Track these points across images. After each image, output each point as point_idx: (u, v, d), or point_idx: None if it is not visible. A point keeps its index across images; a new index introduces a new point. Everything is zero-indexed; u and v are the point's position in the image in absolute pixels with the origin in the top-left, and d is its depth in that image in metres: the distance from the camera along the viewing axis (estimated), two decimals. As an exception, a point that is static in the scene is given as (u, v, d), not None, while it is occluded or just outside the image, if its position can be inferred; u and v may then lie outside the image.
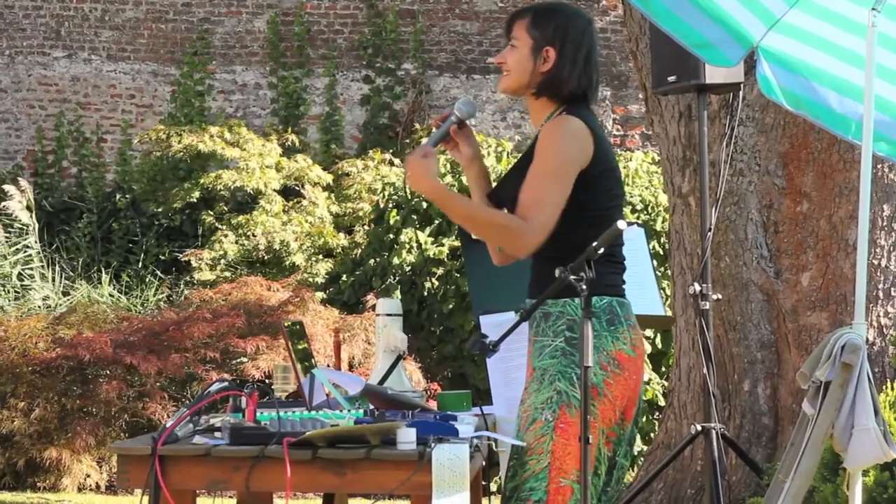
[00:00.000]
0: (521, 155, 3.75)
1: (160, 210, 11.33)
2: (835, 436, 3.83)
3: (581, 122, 3.59)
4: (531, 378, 3.59)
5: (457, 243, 9.01)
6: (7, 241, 10.19)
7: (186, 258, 10.29)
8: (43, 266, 10.15)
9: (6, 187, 10.82)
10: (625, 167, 9.84)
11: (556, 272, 3.36)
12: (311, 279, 9.62)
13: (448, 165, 9.80)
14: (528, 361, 3.67)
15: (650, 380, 8.38)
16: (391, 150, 11.43)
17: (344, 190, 10.84)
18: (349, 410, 3.77)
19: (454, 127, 3.73)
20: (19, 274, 9.93)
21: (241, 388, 3.71)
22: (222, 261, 10.15)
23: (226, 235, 10.34)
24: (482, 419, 3.89)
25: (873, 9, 3.96)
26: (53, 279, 9.95)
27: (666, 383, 8.36)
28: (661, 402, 8.32)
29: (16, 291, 9.72)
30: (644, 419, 8.40)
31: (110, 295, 9.91)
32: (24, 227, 10.47)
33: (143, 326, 8.13)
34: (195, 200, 11.09)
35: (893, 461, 4.13)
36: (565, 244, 3.54)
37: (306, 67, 12.41)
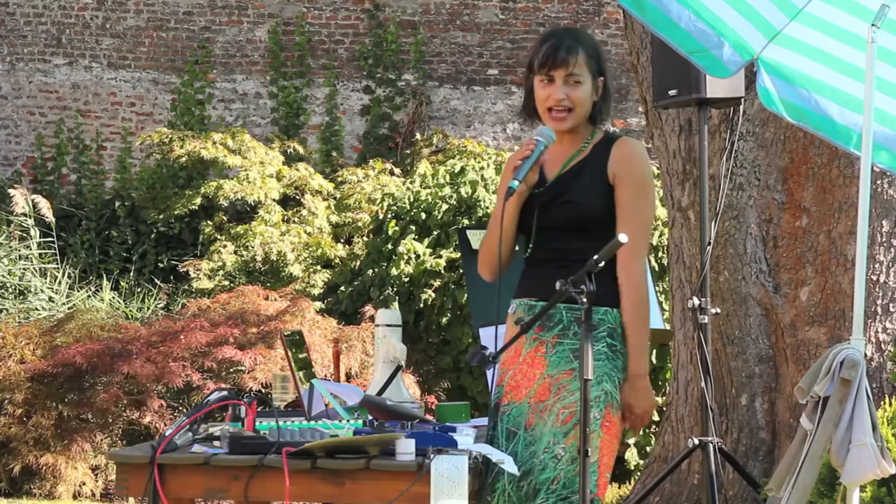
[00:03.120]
0: (571, 166, 3.80)
1: (160, 218, 11.33)
2: (832, 451, 3.84)
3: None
4: (570, 378, 3.66)
5: (454, 255, 9.01)
6: (9, 246, 10.19)
7: (185, 268, 10.29)
8: (43, 271, 10.15)
9: (11, 192, 10.83)
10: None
11: (557, 285, 3.40)
12: (308, 289, 9.62)
13: (447, 177, 9.80)
14: (540, 360, 3.71)
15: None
16: (391, 161, 11.44)
17: (344, 200, 10.85)
18: (348, 421, 3.77)
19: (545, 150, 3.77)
20: (21, 277, 9.94)
21: (240, 398, 3.71)
22: (220, 271, 10.15)
23: (224, 246, 10.34)
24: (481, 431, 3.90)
25: (873, 24, 3.97)
26: (54, 290, 9.94)
27: (661, 399, 8.36)
28: (656, 417, 8.32)
29: (18, 294, 9.72)
30: (641, 432, 8.40)
31: (110, 302, 9.91)
32: (25, 234, 10.47)
33: (140, 335, 8.13)
34: (195, 208, 11.10)
35: (891, 477, 4.13)
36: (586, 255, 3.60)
37: (307, 77, 12.43)
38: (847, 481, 3.85)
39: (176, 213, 11.10)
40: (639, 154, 3.79)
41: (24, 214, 10.61)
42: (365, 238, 10.06)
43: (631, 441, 8.32)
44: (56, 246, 10.69)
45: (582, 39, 3.80)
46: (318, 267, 10.05)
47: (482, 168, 9.64)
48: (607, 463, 3.64)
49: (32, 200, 10.67)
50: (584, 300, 3.35)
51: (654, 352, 8.63)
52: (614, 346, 3.68)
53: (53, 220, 10.73)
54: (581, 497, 3.37)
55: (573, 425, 3.62)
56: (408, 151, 11.99)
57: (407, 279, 9.03)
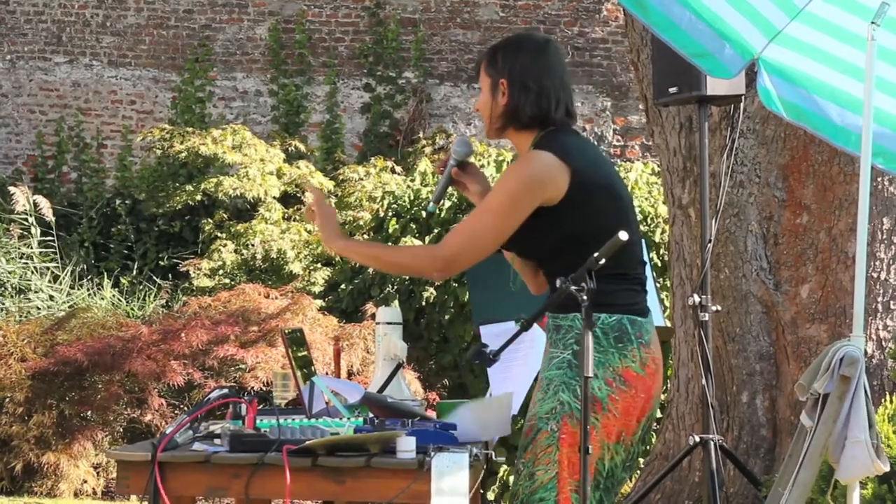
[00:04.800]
0: None
1: (160, 213, 11.32)
2: (829, 447, 3.84)
3: (551, 155, 3.58)
4: (538, 388, 3.62)
5: (456, 252, 8.99)
6: (8, 245, 10.19)
7: (185, 268, 10.28)
8: (44, 269, 10.15)
9: (12, 189, 10.82)
10: (624, 178, 9.85)
11: (557, 283, 3.38)
12: (309, 287, 9.62)
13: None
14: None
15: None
16: (392, 159, 11.44)
17: (344, 198, 10.85)
18: (349, 418, 3.77)
19: (455, 169, 3.76)
20: (22, 276, 9.94)
21: (241, 395, 3.72)
22: (221, 270, 10.15)
23: (224, 245, 10.34)
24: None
25: (873, 22, 3.98)
26: (54, 288, 9.94)
27: (662, 396, 8.36)
28: (658, 414, 8.31)
29: (18, 293, 9.72)
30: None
31: (110, 300, 9.90)
32: (25, 232, 10.47)
33: (141, 333, 8.13)
34: (195, 205, 11.09)
35: (892, 474, 4.13)
36: (565, 271, 3.53)
37: (307, 75, 12.42)
38: (841, 478, 3.86)
39: (176, 207, 11.09)
40: (519, 163, 3.60)
41: (25, 212, 10.60)
42: (366, 236, 10.06)
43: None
44: (56, 244, 10.69)
45: (494, 45, 3.78)
46: (319, 265, 10.05)
47: (483, 166, 9.64)
48: (568, 477, 3.50)
49: (32, 200, 10.66)
50: (585, 298, 3.34)
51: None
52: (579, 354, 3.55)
53: (53, 218, 10.72)
54: (582, 496, 3.35)
55: (531, 440, 3.57)
56: (409, 149, 11.99)
57: (408, 277, 9.03)
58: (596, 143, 12.13)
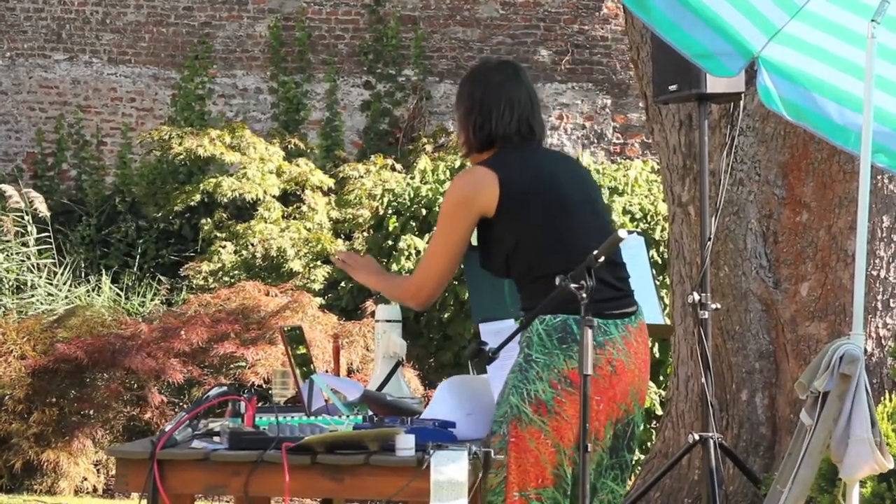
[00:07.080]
0: None
1: (160, 214, 11.32)
2: (831, 446, 3.84)
3: (481, 167, 3.66)
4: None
5: (456, 250, 8.99)
6: (7, 243, 10.18)
7: (186, 272, 10.27)
8: (41, 266, 10.14)
9: (4, 187, 10.80)
10: (624, 176, 9.85)
11: (557, 280, 3.38)
12: (309, 285, 9.62)
13: (447, 172, 9.80)
14: None
15: (644, 389, 8.36)
16: (392, 157, 11.44)
17: (344, 196, 10.84)
18: (348, 416, 3.77)
19: None
20: (19, 273, 9.93)
21: (240, 393, 3.72)
22: (220, 272, 10.14)
23: (223, 246, 10.33)
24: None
25: (873, 20, 3.97)
26: (53, 285, 9.93)
27: (663, 392, 8.36)
28: (659, 412, 8.31)
29: (17, 289, 9.71)
30: (642, 427, 8.38)
31: (108, 297, 9.90)
32: (23, 229, 10.45)
33: (141, 331, 8.13)
34: (195, 205, 11.08)
35: (891, 472, 4.13)
36: (519, 278, 3.66)
37: (307, 72, 12.42)
38: (845, 476, 3.86)
39: (175, 208, 11.08)
40: (452, 183, 3.72)
41: (20, 210, 10.58)
42: (365, 234, 10.06)
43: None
44: (52, 241, 10.66)
45: None
46: (319, 262, 10.05)
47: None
48: (515, 481, 3.53)
49: (27, 195, 10.63)
50: (584, 296, 3.33)
51: (656, 347, 8.62)
52: (529, 356, 3.57)
53: (48, 214, 10.68)
54: (581, 494, 3.35)
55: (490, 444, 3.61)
56: (409, 147, 11.98)
57: (408, 275, 9.03)
58: (596, 140, 12.13)
